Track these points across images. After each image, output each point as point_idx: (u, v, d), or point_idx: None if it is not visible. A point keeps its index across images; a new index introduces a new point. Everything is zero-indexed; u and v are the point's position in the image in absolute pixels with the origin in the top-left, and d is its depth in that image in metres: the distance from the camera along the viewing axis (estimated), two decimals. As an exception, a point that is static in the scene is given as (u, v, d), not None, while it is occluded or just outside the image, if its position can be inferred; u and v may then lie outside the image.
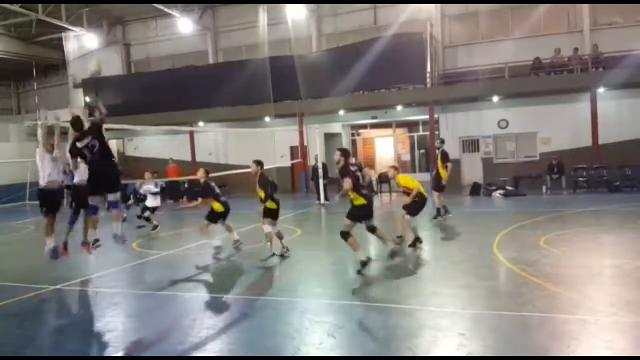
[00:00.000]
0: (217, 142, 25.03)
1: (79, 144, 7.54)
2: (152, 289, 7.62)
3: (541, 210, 13.73)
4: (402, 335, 5.27)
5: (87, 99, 26.89)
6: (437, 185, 12.86)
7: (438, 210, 12.72)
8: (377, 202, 18.91)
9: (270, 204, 9.14)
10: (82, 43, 28.48)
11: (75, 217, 8.38)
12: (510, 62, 19.70)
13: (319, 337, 5.32)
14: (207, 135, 24.86)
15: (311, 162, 20.34)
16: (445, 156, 12.90)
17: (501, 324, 5.52)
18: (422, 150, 25.39)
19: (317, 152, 17.84)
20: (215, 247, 9.59)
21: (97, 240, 7.96)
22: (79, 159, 7.85)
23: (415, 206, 9.85)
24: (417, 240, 9.61)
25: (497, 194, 17.84)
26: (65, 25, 25.93)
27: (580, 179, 18.07)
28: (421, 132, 24.97)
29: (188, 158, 24.00)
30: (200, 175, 9.95)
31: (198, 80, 23.41)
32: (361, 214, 7.91)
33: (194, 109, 23.04)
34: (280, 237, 9.36)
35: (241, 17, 25.43)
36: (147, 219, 13.10)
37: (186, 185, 22.36)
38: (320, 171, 17.13)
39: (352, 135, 26.46)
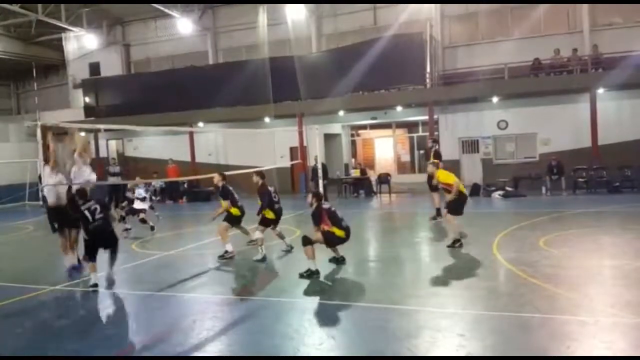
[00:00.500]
0: (217, 142, 25.01)
1: (82, 207, 7.80)
2: (151, 290, 7.62)
3: (541, 211, 13.72)
4: (401, 336, 5.28)
5: (87, 99, 26.94)
6: (435, 185, 12.81)
7: (438, 210, 12.69)
8: (376, 203, 19.05)
9: (268, 214, 9.46)
10: (82, 43, 28.51)
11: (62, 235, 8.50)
12: (510, 62, 19.71)
13: (319, 337, 5.33)
14: (207, 135, 24.86)
15: (311, 162, 20.34)
16: (437, 156, 12.84)
17: (501, 324, 5.52)
18: (421, 151, 25.35)
19: (316, 153, 17.83)
20: (226, 252, 9.56)
21: (96, 285, 7.78)
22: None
23: (455, 204, 9.64)
24: (456, 241, 9.43)
25: (496, 194, 17.85)
26: (65, 26, 25.94)
27: (580, 179, 18.07)
28: (421, 133, 24.94)
29: (188, 159, 23.99)
30: (216, 180, 9.95)
31: (198, 81, 23.41)
32: (337, 242, 8.24)
33: (194, 109, 23.03)
34: (281, 237, 9.76)
35: (241, 17, 25.44)
36: (123, 218, 13.14)
37: (185, 185, 22.37)
38: (320, 172, 17.12)
39: (352, 135, 26.44)
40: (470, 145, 21.86)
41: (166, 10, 24.35)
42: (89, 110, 26.33)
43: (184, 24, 25.58)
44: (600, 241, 9.66)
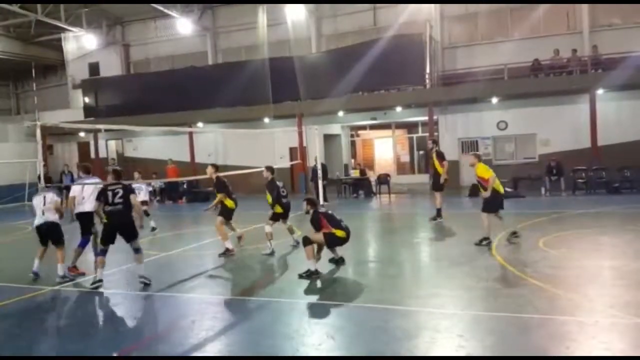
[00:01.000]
0: (216, 143, 25.02)
1: (109, 187, 7.85)
2: (151, 290, 7.61)
3: (540, 211, 13.73)
4: (401, 336, 5.28)
5: (86, 99, 26.94)
6: (437, 185, 12.84)
7: (438, 210, 12.68)
8: (375, 203, 19.05)
9: (276, 208, 9.75)
10: (82, 43, 28.52)
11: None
12: (510, 63, 19.72)
13: (318, 338, 5.33)
14: (207, 136, 24.86)
15: (311, 163, 20.35)
16: (440, 156, 12.82)
17: (500, 325, 5.53)
18: (421, 152, 25.40)
19: (316, 154, 17.85)
20: (227, 250, 9.71)
21: (100, 281, 7.78)
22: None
23: (489, 201, 9.51)
24: (484, 239, 9.37)
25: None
26: (65, 26, 25.94)
27: (579, 180, 18.08)
28: (420, 134, 24.98)
29: (187, 159, 24.00)
30: (209, 172, 10.18)
31: (197, 81, 23.44)
32: (339, 243, 8.30)
33: (194, 109, 23.05)
34: (291, 231, 10.22)
35: (241, 18, 25.47)
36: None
37: (185, 186, 22.37)
38: (320, 172, 17.13)
39: (352, 136, 26.47)
40: (470, 146, 21.85)
41: (166, 11, 24.36)
42: (88, 111, 26.35)
43: (183, 24, 25.61)
44: (599, 242, 9.66)
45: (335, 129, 24.65)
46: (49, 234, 8.34)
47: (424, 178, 22.87)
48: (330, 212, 8.35)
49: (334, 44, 23.85)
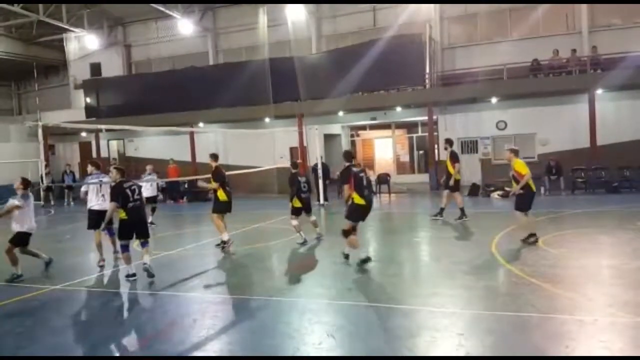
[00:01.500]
0: (217, 143, 25.05)
1: (125, 185, 8.15)
2: (152, 289, 7.64)
3: (539, 211, 13.67)
4: (401, 335, 5.31)
5: (88, 99, 26.98)
6: (454, 185, 12.69)
7: (462, 210, 12.48)
8: (375, 202, 19.04)
9: (296, 203, 10.33)
10: (83, 44, 28.57)
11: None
12: (509, 63, 19.75)
13: (319, 337, 5.35)
14: (208, 136, 24.90)
15: (311, 162, 20.38)
16: (454, 157, 12.75)
17: (500, 324, 5.55)
18: (421, 152, 25.43)
19: (317, 153, 17.89)
20: (222, 242, 9.90)
21: (134, 275, 8.10)
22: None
23: (521, 200, 9.52)
24: (531, 236, 9.32)
25: (495, 194, 17.89)
26: (66, 27, 25.97)
27: (579, 180, 18.11)
28: (420, 134, 25.01)
29: (188, 159, 24.04)
30: (211, 161, 10.41)
31: (198, 82, 23.48)
32: (360, 214, 8.43)
33: (195, 109, 23.09)
34: (315, 225, 10.79)
35: (241, 18, 25.51)
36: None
37: (186, 185, 22.40)
38: (320, 172, 17.16)
39: (352, 136, 26.49)
40: (469, 146, 21.89)
41: (167, 11, 24.40)
42: (89, 111, 26.40)
43: (184, 25, 25.64)
44: (598, 241, 9.69)
45: (335, 129, 24.68)
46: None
47: (424, 178, 22.90)
48: (362, 175, 8.34)
49: (334, 44, 23.88)
